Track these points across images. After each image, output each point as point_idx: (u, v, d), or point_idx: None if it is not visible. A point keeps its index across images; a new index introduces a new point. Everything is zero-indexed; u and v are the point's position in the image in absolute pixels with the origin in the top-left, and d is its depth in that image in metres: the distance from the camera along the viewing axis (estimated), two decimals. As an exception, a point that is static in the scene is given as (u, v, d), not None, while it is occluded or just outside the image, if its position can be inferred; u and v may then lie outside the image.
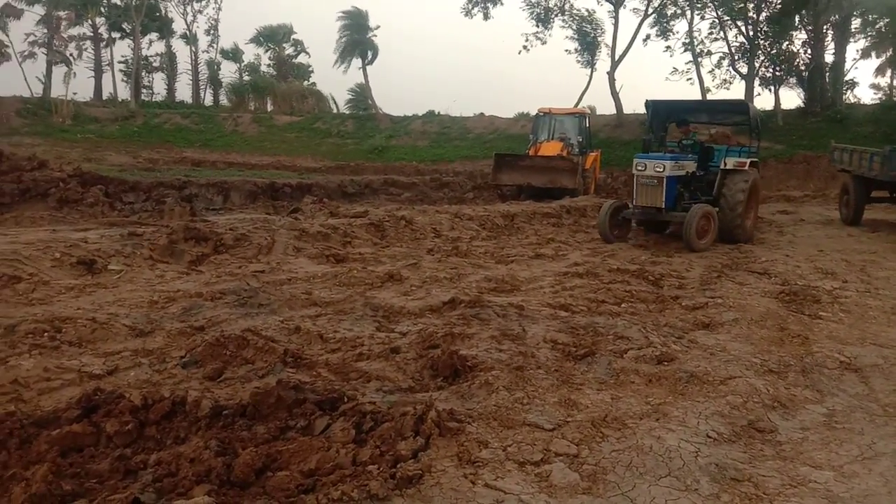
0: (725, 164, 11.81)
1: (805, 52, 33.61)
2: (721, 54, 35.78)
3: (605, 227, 11.48)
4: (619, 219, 11.70)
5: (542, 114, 20.72)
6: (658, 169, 10.95)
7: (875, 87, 47.39)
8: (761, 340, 5.61)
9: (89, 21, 48.61)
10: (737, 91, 35.89)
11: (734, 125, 14.38)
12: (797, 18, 32.59)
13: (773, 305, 6.77)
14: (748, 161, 11.90)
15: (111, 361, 4.66)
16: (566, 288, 7.44)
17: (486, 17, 38.09)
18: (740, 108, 13.73)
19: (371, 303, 6.25)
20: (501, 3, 37.68)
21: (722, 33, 34.96)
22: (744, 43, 34.17)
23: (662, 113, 13.07)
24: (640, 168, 11.21)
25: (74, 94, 46.06)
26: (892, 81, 44.96)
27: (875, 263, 9.61)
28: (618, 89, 35.18)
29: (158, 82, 56.01)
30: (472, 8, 37.65)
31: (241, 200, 16.66)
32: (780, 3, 32.16)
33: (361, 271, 7.87)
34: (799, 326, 6.05)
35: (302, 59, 59.78)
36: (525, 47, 38.03)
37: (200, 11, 52.52)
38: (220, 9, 53.29)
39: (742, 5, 32.69)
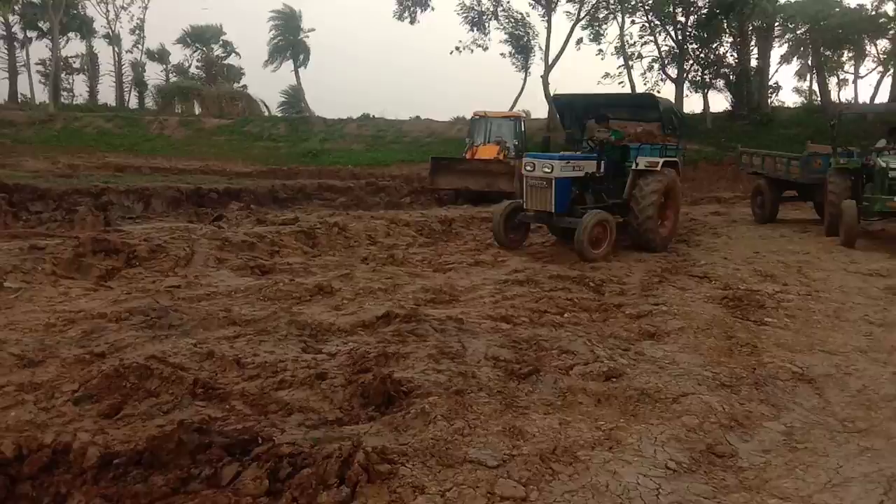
0: (636, 165, 10.79)
1: (732, 56, 34.46)
2: (652, 58, 36.38)
3: (499, 231, 10.53)
4: (516, 221, 10.70)
5: (477, 117, 20.47)
6: (546, 169, 9.91)
7: (797, 90, 49.21)
8: (710, 350, 5.37)
9: (1, 19, 46.00)
10: (667, 93, 36.51)
11: (648, 121, 13.11)
12: (724, 23, 33.37)
13: (718, 312, 6.57)
14: (660, 161, 10.83)
15: (-11, 399, 4.02)
16: (507, 297, 7.09)
17: (412, 21, 37.75)
18: (647, 102, 12.85)
19: (297, 320, 5.73)
20: (432, 9, 37.41)
21: (652, 37, 35.56)
22: (673, 47, 34.82)
23: (577, 108, 12.25)
24: (528, 168, 10.21)
25: (-14, 96, 43.52)
26: (811, 85, 46.66)
27: (810, 264, 9.62)
28: (552, 93, 35.30)
29: (79, 84, 53.60)
30: (403, 12, 37.24)
31: (163, 208, 15.76)
32: (706, 9, 32.89)
33: (289, 284, 7.33)
34: (746, 334, 5.85)
35: (232, 60, 58.26)
36: (458, 48, 37.85)
37: (124, 8, 50.38)
38: (146, 7, 51.36)
39: (670, 9, 33.29)
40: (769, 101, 35.49)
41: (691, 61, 34.68)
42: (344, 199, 19.60)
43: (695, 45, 34.38)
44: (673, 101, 33.85)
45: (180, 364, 4.48)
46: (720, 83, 34.89)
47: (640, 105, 13.02)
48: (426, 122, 39.71)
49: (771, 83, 36.73)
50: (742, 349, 5.42)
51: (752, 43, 35.15)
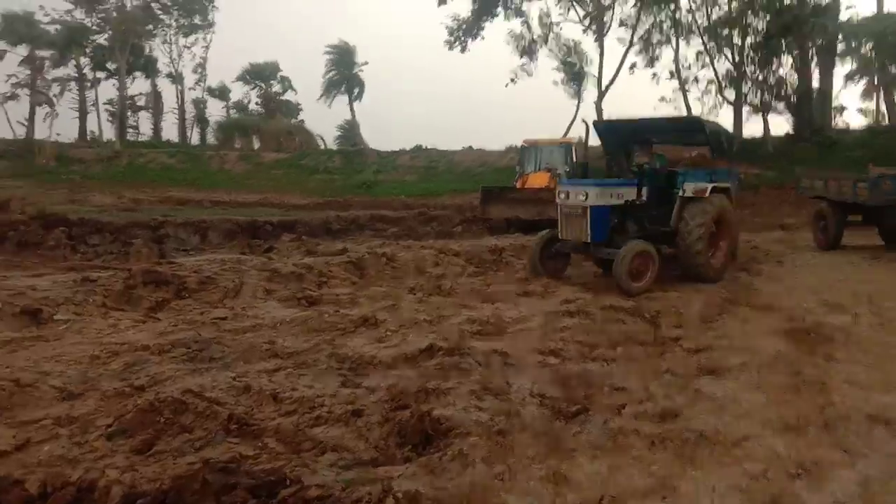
0: (684, 192, 10.09)
1: (792, 77, 33.54)
2: (708, 81, 35.71)
3: (535, 261, 10.11)
4: (553, 251, 10.21)
5: (527, 145, 20.32)
6: (581, 197, 9.40)
7: (862, 111, 47.55)
8: (774, 388, 4.99)
9: (73, 61, 48.37)
10: (725, 118, 35.74)
11: (695, 145, 12.55)
12: (783, 44, 32.55)
13: (783, 346, 6.16)
14: (709, 187, 10.16)
15: (24, 433, 3.99)
16: (556, 329, 6.82)
17: (463, 50, 38.02)
18: (692, 126, 11.92)
19: (338, 353, 5.60)
20: (482, 38, 37.65)
21: (708, 60, 34.94)
22: (731, 69, 34.11)
23: (621, 134, 11.55)
24: (562, 196, 9.76)
25: (58, 134, 45.91)
26: (877, 106, 45.01)
27: (882, 294, 9.02)
28: (605, 117, 34.95)
29: (144, 122, 55.71)
30: (455, 42, 37.61)
31: (218, 240, 16.07)
32: (765, 30, 32.16)
33: (334, 315, 7.23)
34: (814, 370, 5.44)
35: (290, 96, 59.77)
36: (512, 80, 37.92)
37: (188, 47, 52.32)
38: (207, 47, 53.25)
39: (727, 32, 32.67)
40: (833, 122, 34.31)
41: (750, 84, 33.91)
42: (395, 230, 19.63)
43: (753, 68, 33.63)
44: (732, 125, 33.22)
45: (216, 398, 4.39)
46: (780, 105, 33.98)
47: (686, 129, 12.22)
48: (478, 151, 39.78)
49: (835, 104, 35.56)
50: (810, 387, 5.02)
51: (814, 63, 34.14)
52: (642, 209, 10.14)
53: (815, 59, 34.12)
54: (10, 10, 45.56)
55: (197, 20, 51.00)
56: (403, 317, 7.31)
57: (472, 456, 3.54)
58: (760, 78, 33.77)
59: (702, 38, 34.70)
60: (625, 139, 11.46)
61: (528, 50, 37.25)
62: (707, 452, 3.82)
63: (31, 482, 3.11)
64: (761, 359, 5.68)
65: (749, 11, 32.00)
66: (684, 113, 35.32)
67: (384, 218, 21.67)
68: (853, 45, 36.71)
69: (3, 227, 11.23)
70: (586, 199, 9.34)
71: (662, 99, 37.60)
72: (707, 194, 10.03)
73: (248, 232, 17.39)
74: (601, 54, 36.08)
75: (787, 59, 33.74)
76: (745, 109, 34.24)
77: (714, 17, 33.49)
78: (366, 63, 50.08)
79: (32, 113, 47.30)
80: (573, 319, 7.36)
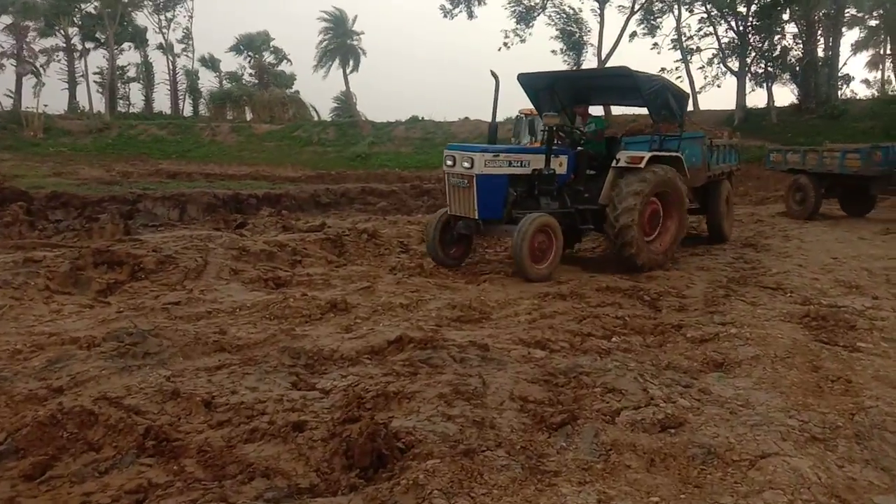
0: (617, 161, 8.65)
1: (797, 46, 32.55)
2: (712, 51, 34.68)
3: (432, 244, 8.52)
4: (456, 233, 8.57)
5: (522, 116, 19.47)
6: (465, 164, 7.91)
7: (866, 81, 46.54)
8: (793, 387, 4.31)
9: (61, 31, 47.12)
10: (728, 88, 34.79)
11: (632, 104, 10.92)
12: (787, 12, 31.52)
13: (799, 334, 5.48)
14: (646, 155, 8.56)
15: None
16: (545, 315, 6.13)
17: (470, 16, 36.90)
18: (624, 80, 9.30)
19: (293, 346, 4.91)
20: (485, 3, 36.52)
21: (711, 29, 33.90)
22: (734, 39, 33.09)
23: (551, 90, 9.68)
24: (448, 163, 8.16)
25: (45, 106, 44.70)
26: (883, 76, 44.01)
27: (901, 272, 8.36)
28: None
29: (135, 93, 54.59)
30: (454, 8, 36.43)
31: (197, 214, 15.32)
32: (769, -3, 31.16)
33: (300, 299, 6.53)
34: (837, 364, 4.77)
35: (285, 67, 58.54)
36: (506, 44, 36.84)
37: (169, 20, 51.05)
38: (191, 17, 51.93)
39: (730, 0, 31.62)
40: (839, 93, 33.37)
41: (754, 53, 32.93)
42: (385, 204, 18.91)
43: (757, 37, 32.62)
44: (736, 95, 32.29)
45: (136, 406, 3.70)
46: (785, 76, 33.08)
47: (619, 85, 9.93)
48: (475, 122, 38.85)
49: (841, 74, 34.57)
50: (834, 385, 4.36)
51: (819, 32, 33.12)
52: (570, 183, 8.87)
53: (821, 28, 33.11)
54: (-8, -22, 44.24)
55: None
56: (378, 301, 6.63)
57: (430, 486, 2.86)
58: (764, 47, 32.80)
59: (705, 6, 33.63)
60: (560, 97, 9.80)
61: (525, 16, 36.11)
62: (718, 476, 3.15)
63: None
64: (776, 350, 5.00)
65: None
66: (686, 84, 34.38)
67: (374, 191, 20.93)
68: (860, 14, 35.70)
69: (-45, 202, 10.52)
70: (471, 166, 7.85)
71: (663, 70, 36.53)
72: (643, 164, 8.46)
73: (231, 206, 16.66)
74: (601, 22, 35.05)
75: (791, 28, 32.78)
76: (749, 79, 33.29)
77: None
78: (362, 33, 48.81)
79: (19, 84, 46.31)
80: (565, 303, 6.69)
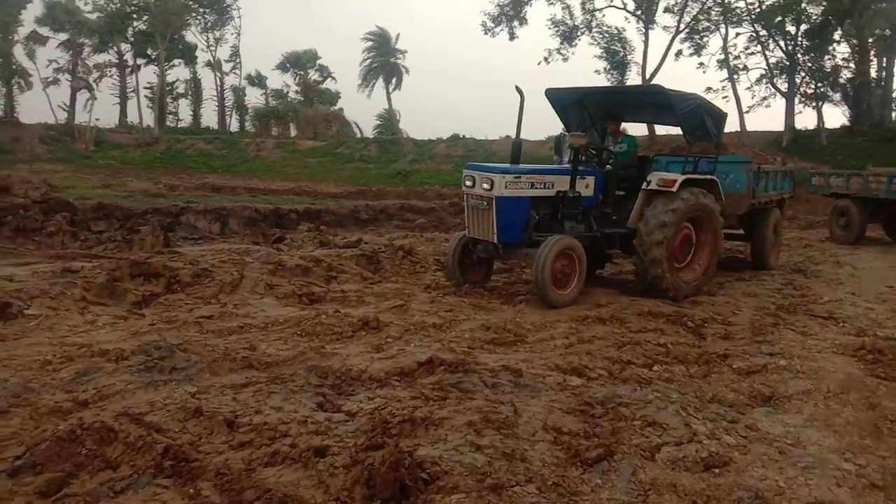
0: (648, 183, 8.21)
1: (849, 67, 31.70)
2: (760, 71, 33.98)
3: (453, 266, 8.29)
4: (476, 256, 8.27)
5: (565, 134, 19.22)
6: (485, 185, 7.56)
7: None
8: (848, 426, 4.03)
9: (114, 48, 48.55)
10: (777, 109, 34.05)
11: (666, 123, 10.74)
12: (838, 32, 30.73)
13: (854, 368, 5.17)
14: (679, 178, 8.11)
15: (-84, 463, 3.28)
16: (583, 340, 5.91)
17: (511, 37, 36.90)
18: (656, 97, 9.07)
19: (321, 365, 4.79)
20: (526, 23, 36.48)
21: (759, 48, 33.24)
22: (783, 58, 32.39)
23: (580, 107, 9.20)
24: (467, 183, 7.86)
25: (97, 120, 45.85)
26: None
27: (962, 303, 7.92)
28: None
29: (184, 109, 55.81)
30: (496, 27, 36.44)
31: (239, 228, 15.47)
32: (819, 16, 30.41)
33: (332, 316, 6.43)
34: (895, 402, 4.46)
35: (329, 84, 59.32)
36: (546, 59, 36.66)
37: (220, 38, 52.18)
38: (238, 34, 52.97)
39: (780, 19, 30.95)
40: (893, 115, 32.33)
41: (803, 73, 32.16)
42: (423, 220, 18.86)
43: (807, 56, 31.88)
44: (784, 116, 31.55)
45: (157, 424, 3.61)
46: (836, 96, 32.16)
47: (652, 102, 9.58)
48: (516, 141, 38.63)
49: (895, 96, 33.51)
50: (893, 426, 4.06)
51: (873, 53, 32.21)
52: (598, 205, 8.44)
53: (874, 48, 32.21)
54: (52, -2, 45.86)
55: (221, 7, 50.74)
56: (411, 320, 6.50)
57: (454, 524, 2.69)
58: (815, 67, 32.02)
59: (752, 25, 33.03)
60: (590, 113, 9.40)
61: (567, 36, 35.95)
62: (768, 524, 2.91)
63: None
64: (829, 385, 4.72)
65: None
66: (733, 104, 33.77)
67: (413, 208, 20.88)
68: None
69: (3, 212, 10.74)
70: (491, 187, 7.51)
71: (709, 89, 35.94)
72: (675, 188, 7.99)
73: (272, 220, 16.79)
74: (646, 41, 34.69)
75: (843, 48, 31.95)
76: (798, 100, 32.52)
77: (766, 2, 31.78)
78: (405, 51, 49.14)
79: (73, 98, 47.58)
80: (605, 327, 6.46)
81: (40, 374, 4.66)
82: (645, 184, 8.23)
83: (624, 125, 10.36)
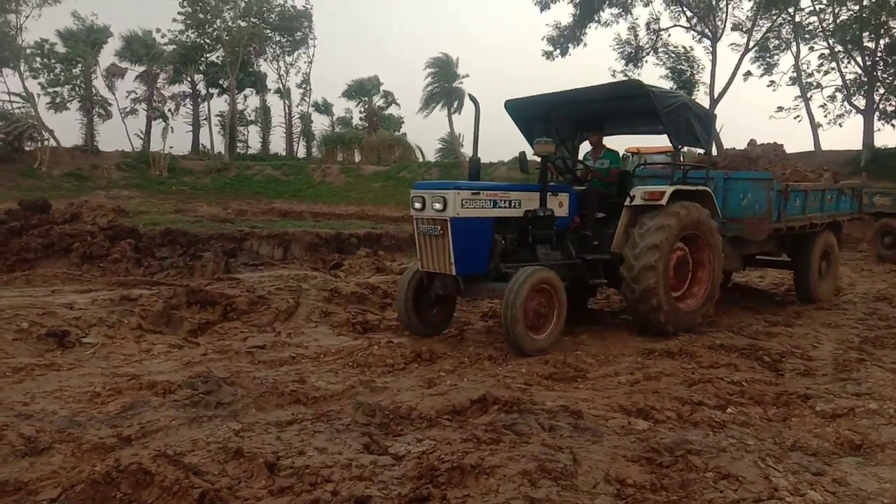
0: (632, 199, 7.16)
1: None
2: (834, 87, 32.64)
3: (404, 309, 6.89)
4: (434, 294, 6.94)
5: (629, 154, 18.77)
6: (437, 206, 6.30)
7: None
8: (954, 484, 3.56)
9: (188, 78, 50.46)
10: (854, 127, 32.59)
11: (645, 128, 9.01)
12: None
13: (957, 413, 4.64)
14: (668, 190, 7.08)
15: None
16: (649, 377, 5.54)
17: (563, 54, 36.45)
18: (632, 91, 7.75)
19: (369, 402, 4.58)
20: (584, 45, 36.07)
21: (834, 65, 31.95)
22: (860, 74, 31.02)
23: (550, 117, 8.15)
24: (416, 205, 6.55)
25: (171, 147, 47.64)
26: None
27: None
28: (718, 129, 32.56)
29: (254, 136, 57.46)
30: (555, 50, 36.18)
31: (300, 253, 15.59)
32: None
33: (385, 346, 6.26)
34: None
35: (393, 110, 60.13)
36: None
37: (292, 65, 53.58)
38: (311, 62, 54.28)
39: (857, 34, 29.69)
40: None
41: (882, 89, 30.71)
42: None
43: (886, 72, 30.45)
44: (863, 134, 30.14)
45: (196, 466, 3.46)
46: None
47: (630, 106, 8.02)
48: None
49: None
50: None
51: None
52: (575, 227, 7.36)
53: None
54: (131, 32, 48.10)
55: (298, 36, 52.09)
56: (465, 352, 6.26)
57: None
58: (895, 83, 30.56)
59: (827, 41, 31.80)
60: (557, 128, 8.23)
61: (633, 57, 35.40)
62: None
63: None
64: (928, 433, 4.22)
65: (883, 11, 28.92)
66: (806, 123, 32.45)
67: (474, 232, 20.70)
68: None
69: (72, 238, 11.05)
70: (444, 207, 6.25)
71: (780, 108, 34.67)
72: (664, 200, 6.99)
73: (333, 245, 16.89)
74: (713, 60, 33.79)
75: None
76: (877, 118, 31.05)
77: (841, 17, 30.56)
78: (466, 75, 49.44)
79: (149, 127, 49.58)
80: (673, 362, 6.05)
81: (88, 406, 4.61)
82: (628, 199, 7.19)
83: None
